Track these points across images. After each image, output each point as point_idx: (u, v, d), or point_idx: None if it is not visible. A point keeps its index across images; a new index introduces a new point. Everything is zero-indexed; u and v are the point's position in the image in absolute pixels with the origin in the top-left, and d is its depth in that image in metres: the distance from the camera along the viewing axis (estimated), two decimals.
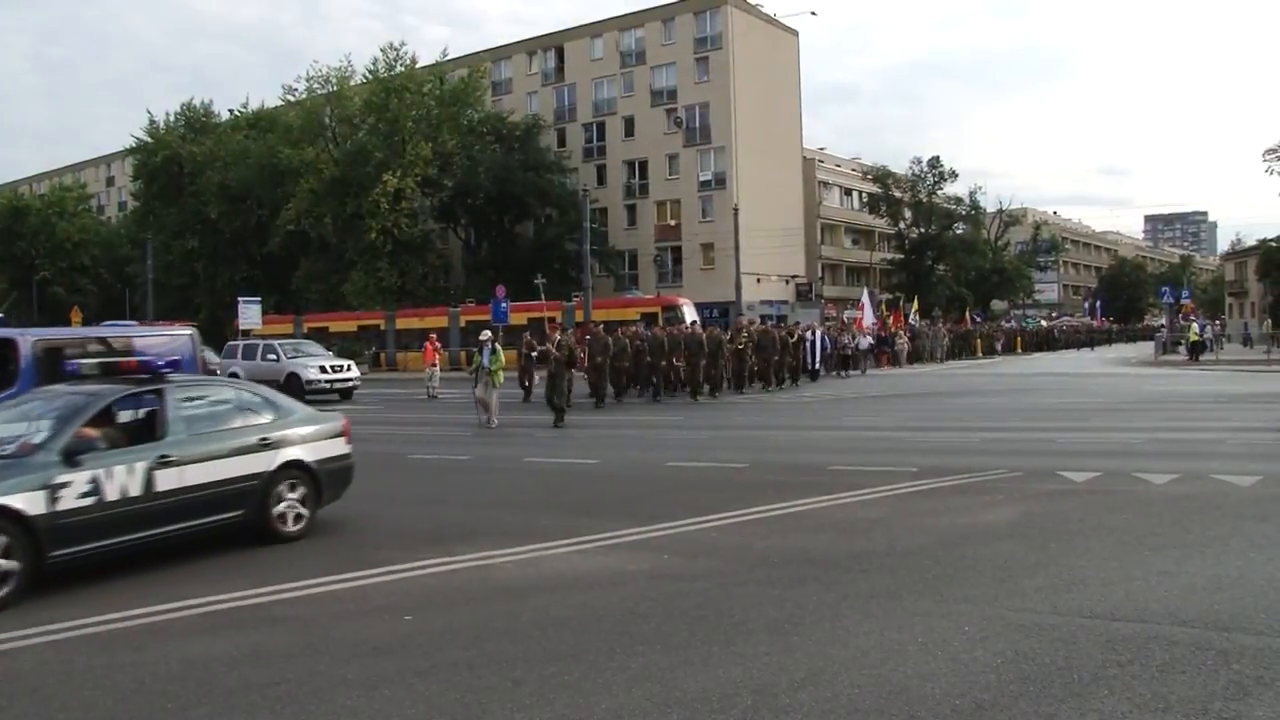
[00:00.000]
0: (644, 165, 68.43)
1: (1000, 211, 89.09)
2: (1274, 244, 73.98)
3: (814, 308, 63.71)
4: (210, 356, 37.21)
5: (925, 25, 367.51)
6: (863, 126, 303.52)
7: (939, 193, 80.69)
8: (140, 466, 8.16)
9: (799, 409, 23.84)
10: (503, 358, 20.94)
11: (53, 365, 12.30)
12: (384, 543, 9.08)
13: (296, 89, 64.06)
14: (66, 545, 7.58)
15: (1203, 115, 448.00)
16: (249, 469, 8.99)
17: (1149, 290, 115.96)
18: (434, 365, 31.88)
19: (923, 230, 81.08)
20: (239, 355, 33.62)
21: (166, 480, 8.29)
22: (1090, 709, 4.63)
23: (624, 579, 7.42)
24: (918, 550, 7.96)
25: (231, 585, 7.51)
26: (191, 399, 9.16)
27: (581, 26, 71.68)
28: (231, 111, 73.37)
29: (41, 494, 7.43)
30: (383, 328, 54.02)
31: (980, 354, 55.00)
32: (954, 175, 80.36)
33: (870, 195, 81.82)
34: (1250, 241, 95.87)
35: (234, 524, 8.94)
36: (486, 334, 21.25)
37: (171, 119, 72.23)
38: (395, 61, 61.29)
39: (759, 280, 60.84)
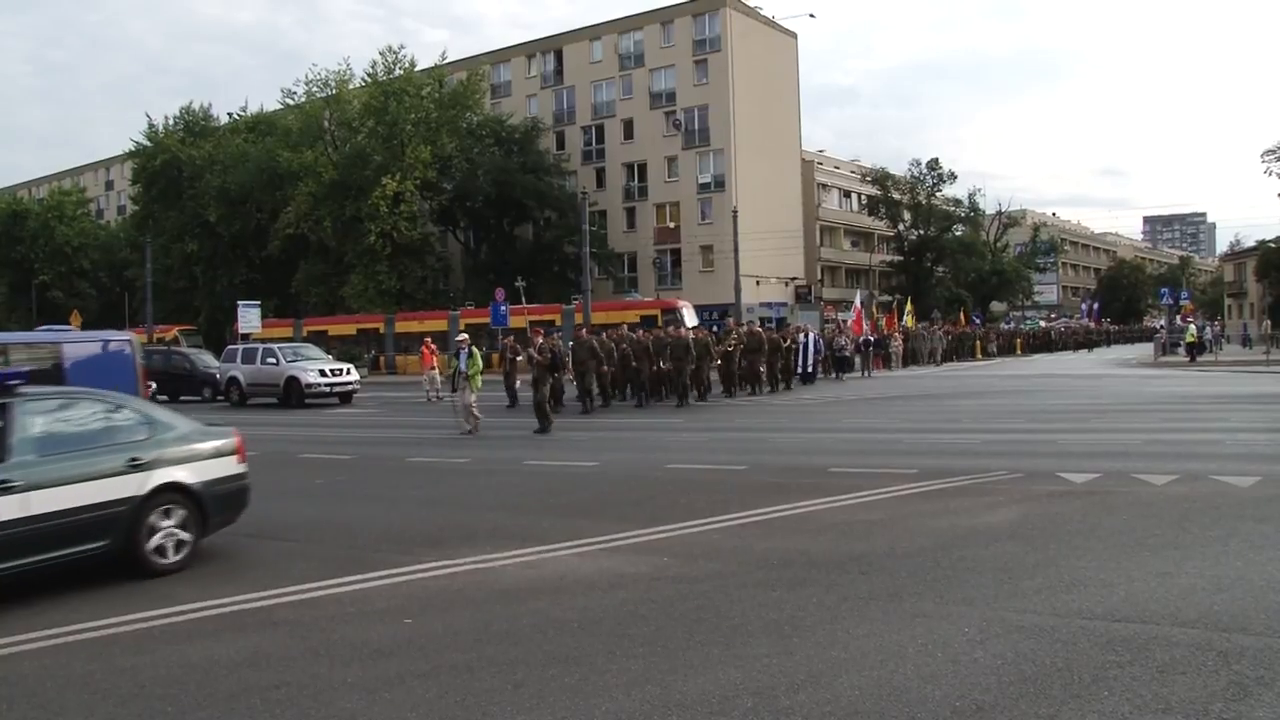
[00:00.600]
0: (643, 168, 68.49)
1: (999, 213, 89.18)
2: (1273, 245, 74.05)
3: (813, 310, 63.76)
4: (209, 360, 37.41)
5: (924, 27, 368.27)
6: (862, 128, 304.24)
7: (938, 194, 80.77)
8: None
9: (798, 411, 23.84)
10: (480, 362, 20.48)
11: None
12: (384, 545, 9.08)
13: (295, 92, 64.31)
14: None
15: (1201, 117, 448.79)
16: (114, 494, 7.97)
17: (1148, 291, 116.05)
18: (433, 369, 31.89)
19: (922, 232, 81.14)
20: (238, 359, 33.63)
21: (6, 509, 7.30)
22: (1090, 710, 4.63)
23: (624, 581, 7.42)
24: (918, 552, 7.96)
25: (231, 588, 7.51)
26: (48, 416, 8.11)
27: (580, 29, 71.76)
28: (230, 115, 73.54)
29: None
30: (382, 331, 54.06)
31: (979, 356, 55.00)
32: (953, 177, 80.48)
33: (869, 197, 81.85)
34: (1249, 242, 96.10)
35: (96, 557, 7.95)
36: (463, 338, 20.87)
37: (170, 122, 72.29)
38: (394, 64, 61.38)
39: (758, 283, 60.88)
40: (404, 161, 57.81)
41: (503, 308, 36.83)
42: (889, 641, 5.75)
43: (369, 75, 61.86)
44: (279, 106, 67.96)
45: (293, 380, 31.14)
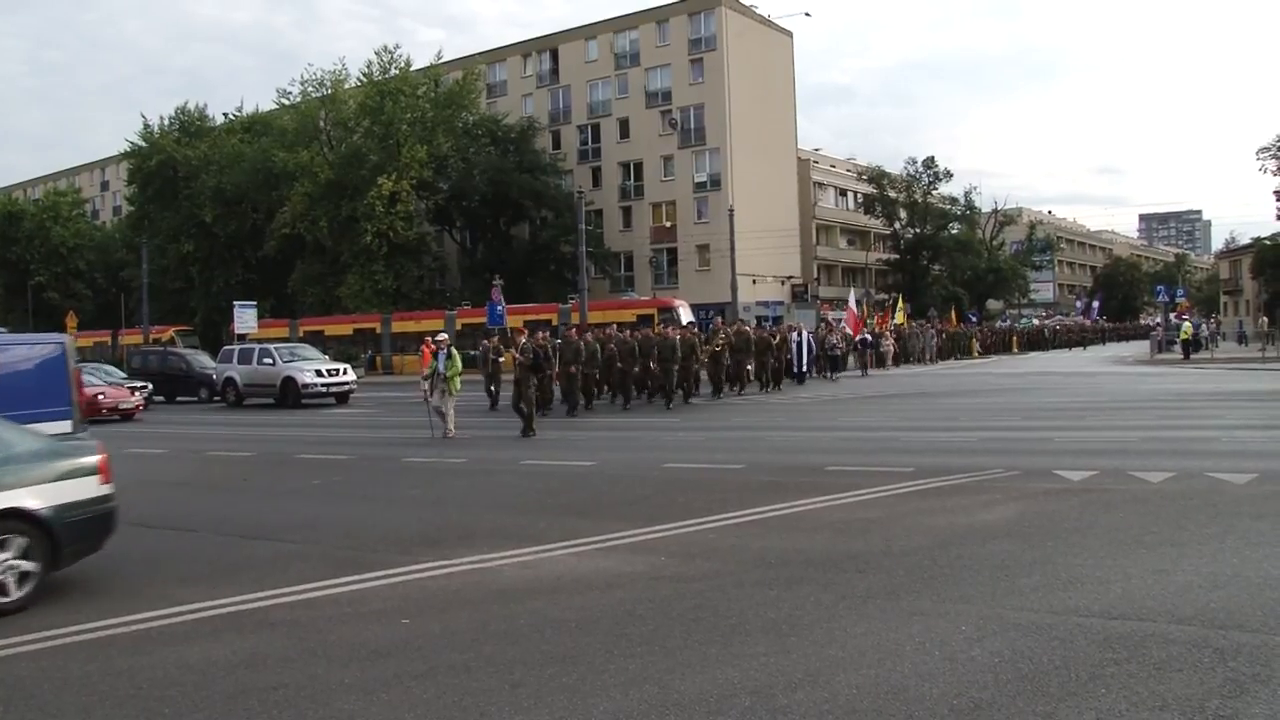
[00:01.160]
0: (639, 167, 68.47)
1: (995, 211, 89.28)
2: (1268, 242, 74.22)
3: (809, 308, 63.78)
4: (205, 360, 37.39)
5: (920, 26, 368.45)
6: (858, 127, 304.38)
7: (934, 193, 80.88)
8: None
9: (795, 410, 23.85)
10: (459, 363, 19.78)
11: None
12: (381, 546, 9.07)
13: (291, 92, 64.08)
14: None
15: (1197, 115, 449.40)
16: None
17: (1144, 289, 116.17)
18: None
19: (918, 230, 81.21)
20: (235, 359, 33.63)
21: None
22: (1088, 707, 4.63)
23: (621, 581, 7.42)
24: (915, 550, 7.97)
25: (228, 589, 7.50)
26: None
27: (576, 28, 71.75)
28: (226, 115, 73.33)
29: None
30: (379, 331, 54.01)
31: (976, 354, 54.97)
32: (949, 175, 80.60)
33: (865, 196, 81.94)
34: (1244, 240, 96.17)
35: None
36: (442, 338, 20.16)
37: (166, 123, 72.12)
38: (390, 64, 61.27)
39: (754, 281, 60.89)
40: (400, 161, 57.73)
41: (499, 307, 36.81)
42: (886, 640, 5.76)
43: (364, 75, 61.78)
44: (274, 106, 67.84)
45: (289, 380, 31.13)
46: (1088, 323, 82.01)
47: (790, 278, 69.81)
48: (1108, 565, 7.26)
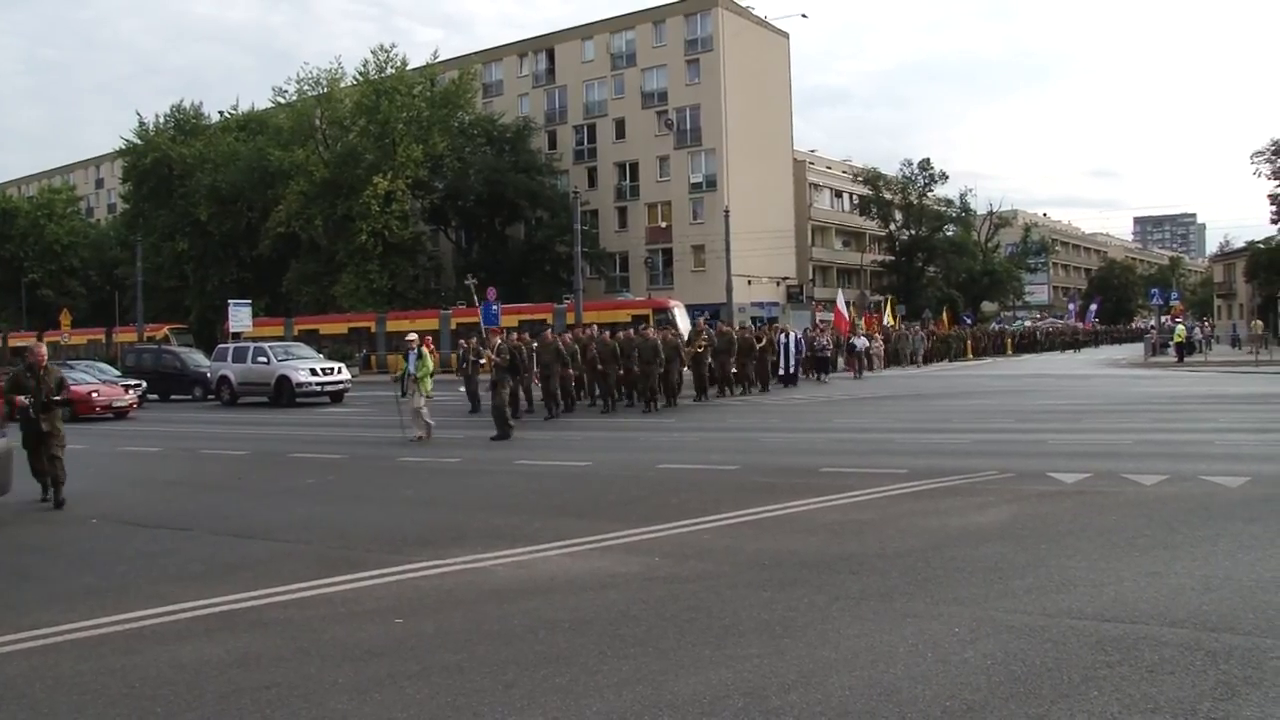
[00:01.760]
0: (635, 167, 68.53)
1: (990, 214, 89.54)
2: (1262, 246, 74.35)
3: (805, 309, 63.87)
4: (200, 359, 37.33)
5: (915, 28, 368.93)
6: (853, 129, 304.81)
7: (929, 195, 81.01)
8: None
9: (789, 411, 23.86)
10: (430, 363, 19.31)
11: None
12: (374, 545, 9.06)
13: (287, 91, 64.05)
14: None
15: (1191, 118, 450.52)
16: None
17: (1138, 292, 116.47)
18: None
19: (913, 232, 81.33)
20: (229, 358, 33.56)
21: None
22: (1080, 709, 4.64)
23: (615, 581, 7.42)
24: (908, 552, 7.97)
25: (221, 588, 7.48)
26: None
27: (572, 29, 71.83)
28: (221, 113, 73.26)
29: None
30: (373, 330, 53.98)
31: (971, 356, 54.93)
32: (944, 177, 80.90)
33: (861, 197, 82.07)
34: (1239, 243, 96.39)
35: None
36: (413, 337, 19.63)
37: (161, 121, 72.02)
38: (386, 63, 61.29)
39: (750, 282, 60.96)
40: (395, 160, 57.72)
41: (494, 306, 36.76)
42: (880, 641, 5.76)
43: (360, 74, 61.79)
44: (270, 105, 67.81)
45: (284, 379, 31.12)
46: (1080, 325, 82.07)
47: (785, 279, 69.91)
48: (1101, 568, 7.27)
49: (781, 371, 31.58)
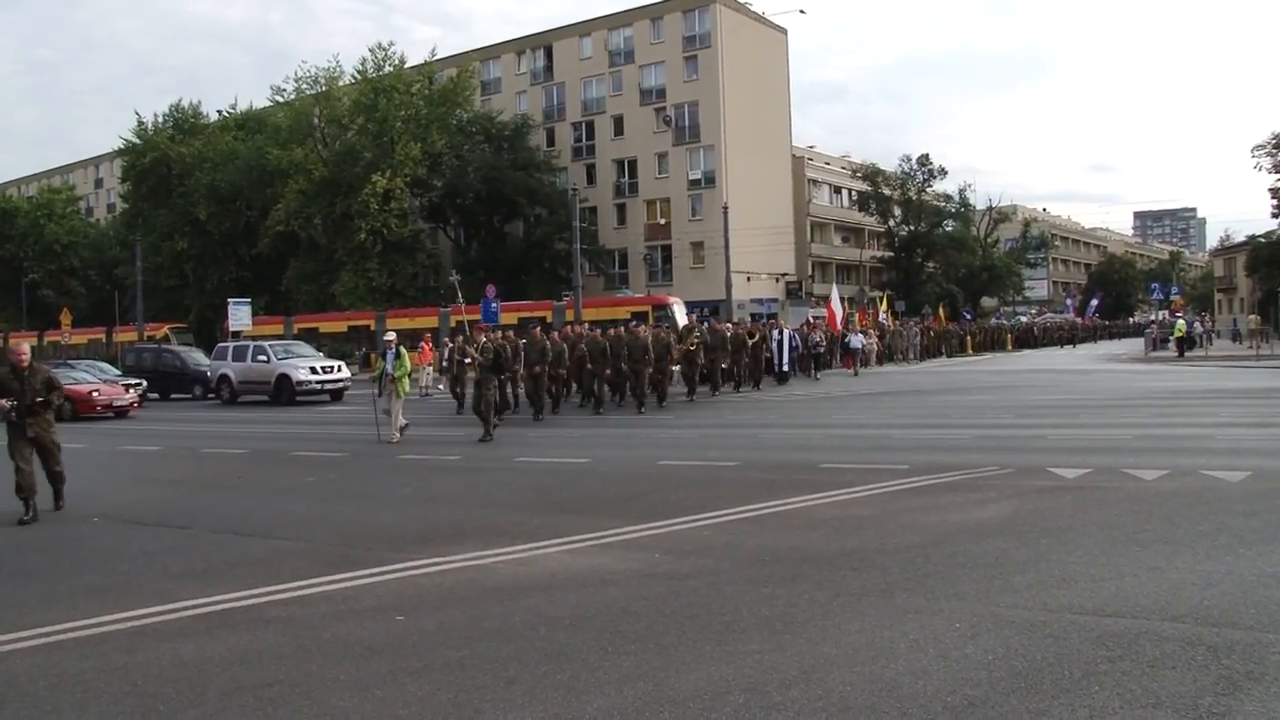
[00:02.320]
0: (633, 164, 68.48)
1: (990, 209, 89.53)
2: (1262, 240, 74.33)
3: (804, 305, 63.82)
4: (200, 357, 37.34)
5: (913, 23, 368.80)
6: (852, 125, 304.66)
7: (928, 190, 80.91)
8: None
9: (789, 408, 23.86)
10: (408, 363, 18.99)
11: None
12: (375, 543, 9.06)
13: (285, 90, 63.92)
14: None
15: (1191, 112, 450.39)
16: None
17: (1138, 287, 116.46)
18: (429, 365, 31.88)
19: (912, 228, 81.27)
20: (229, 357, 33.57)
21: None
22: (1081, 705, 4.64)
23: (616, 578, 7.42)
24: (909, 548, 7.98)
25: (222, 586, 7.49)
26: None
27: (570, 26, 71.72)
28: (220, 112, 73.14)
29: None
30: (373, 328, 53.93)
31: (971, 351, 54.83)
32: (943, 173, 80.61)
33: (860, 193, 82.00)
34: (1239, 237, 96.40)
35: None
36: (390, 336, 19.28)
37: (160, 120, 71.93)
38: (384, 62, 61.17)
39: (749, 279, 60.92)
40: (394, 159, 57.63)
41: (494, 304, 36.80)
42: (880, 637, 5.76)
43: (359, 72, 61.68)
44: (269, 104, 67.70)
45: (284, 378, 31.14)
46: (1079, 320, 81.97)
47: (785, 275, 69.86)
48: (1101, 563, 7.27)
49: (775, 368, 31.09)
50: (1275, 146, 63.52)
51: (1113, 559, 7.37)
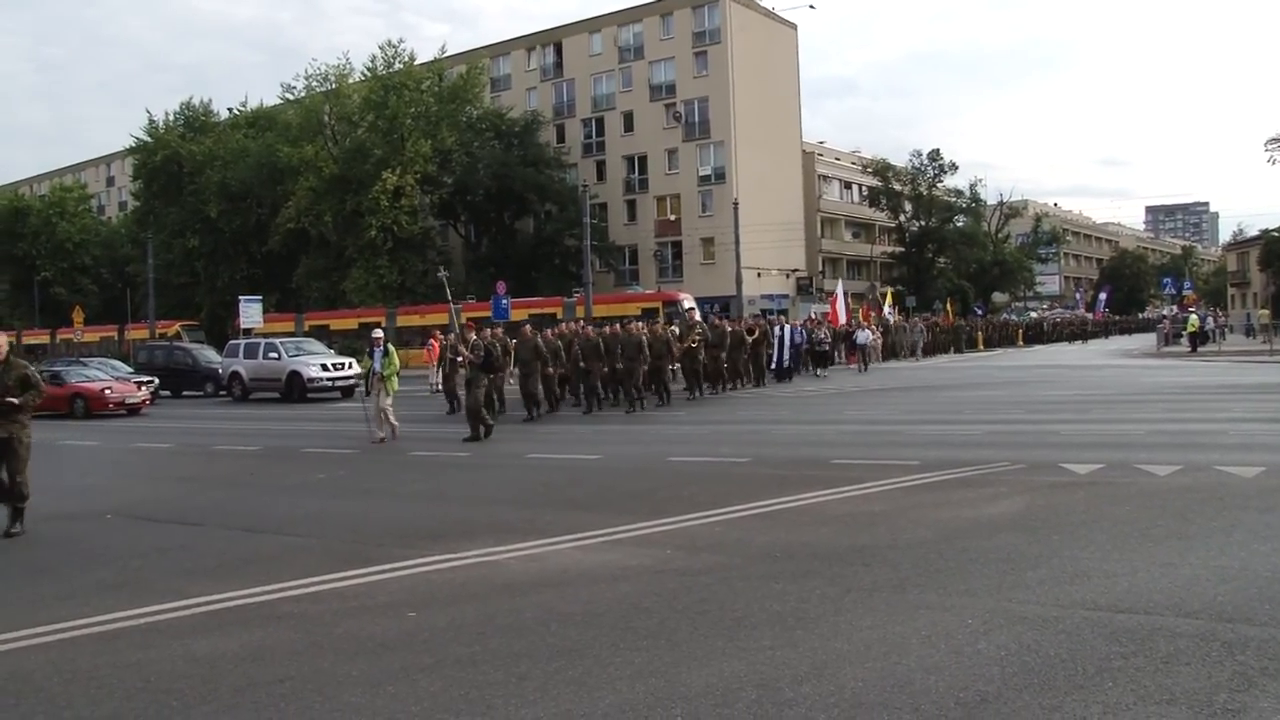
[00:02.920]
0: (643, 160, 68.46)
1: (1001, 204, 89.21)
2: (1276, 234, 73.98)
3: (814, 301, 63.74)
4: (211, 355, 37.46)
5: (923, 18, 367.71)
6: (862, 120, 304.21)
7: (939, 185, 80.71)
8: None
9: (800, 403, 23.83)
10: (397, 361, 18.44)
11: None
12: (386, 539, 9.08)
13: (295, 87, 64.05)
14: None
15: (1203, 105, 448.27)
16: None
17: (1150, 282, 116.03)
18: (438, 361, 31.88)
19: (923, 223, 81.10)
20: (240, 354, 33.68)
21: None
22: (1094, 701, 4.62)
23: (627, 574, 7.42)
24: (920, 543, 7.96)
25: (235, 583, 7.51)
26: None
27: (580, 22, 71.71)
28: (230, 110, 73.41)
29: None
30: (383, 325, 53.95)
31: (982, 347, 54.57)
32: (954, 168, 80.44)
33: (870, 188, 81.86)
34: (1252, 232, 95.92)
35: None
36: (378, 333, 18.79)
37: (171, 118, 72.19)
38: (394, 59, 61.25)
39: (759, 274, 60.86)
40: (404, 155, 57.70)
41: (504, 301, 36.82)
42: (892, 633, 5.75)
43: (368, 69, 61.78)
44: (279, 102, 67.85)
45: (295, 374, 31.22)
46: (1090, 315, 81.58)
47: (795, 271, 69.81)
48: (1114, 559, 7.24)
49: (775, 365, 30.31)
50: None
51: (1126, 555, 7.34)
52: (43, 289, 77.01)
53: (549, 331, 23.39)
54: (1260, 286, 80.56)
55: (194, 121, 71.84)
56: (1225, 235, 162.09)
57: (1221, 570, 6.81)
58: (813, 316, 43.13)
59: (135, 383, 29.85)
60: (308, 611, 6.78)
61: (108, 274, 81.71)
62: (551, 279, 61.02)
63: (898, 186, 79.18)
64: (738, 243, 48.97)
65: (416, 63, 62.20)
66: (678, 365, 24.96)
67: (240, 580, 7.61)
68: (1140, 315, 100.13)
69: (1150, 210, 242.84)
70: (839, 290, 44.30)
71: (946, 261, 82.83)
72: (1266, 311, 60.69)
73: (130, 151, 74.74)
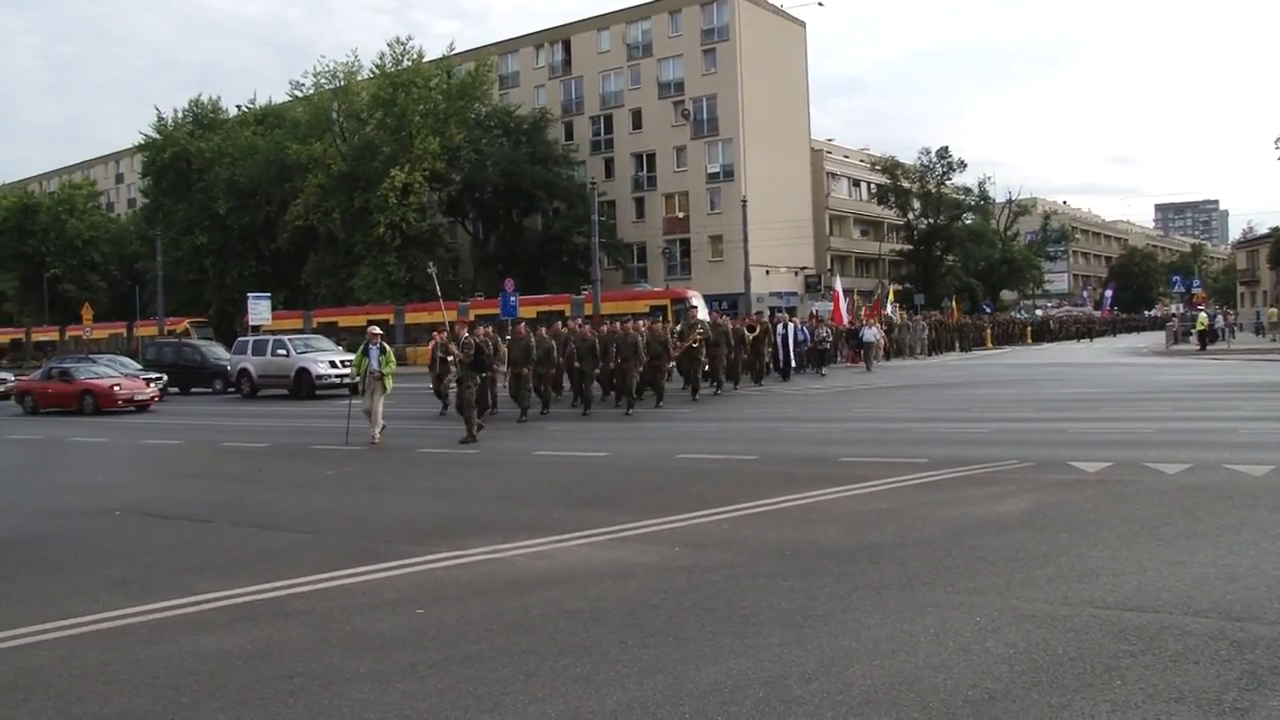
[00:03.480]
0: (651, 158, 68.41)
1: (1009, 201, 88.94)
2: None
3: (823, 299, 63.62)
4: (220, 351, 37.54)
5: (932, 15, 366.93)
6: (870, 117, 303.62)
7: (948, 183, 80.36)
8: None
9: (807, 401, 23.80)
10: (394, 361, 17.99)
11: None
12: (394, 536, 9.09)
13: (304, 84, 64.16)
14: None
15: (1213, 103, 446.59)
16: None
17: (1159, 280, 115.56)
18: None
19: (932, 221, 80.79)
20: (249, 351, 33.75)
21: None
22: (1103, 699, 4.62)
23: (635, 571, 7.42)
24: (929, 541, 7.95)
25: (243, 579, 7.53)
26: None
27: (588, 19, 71.66)
28: (239, 107, 73.51)
29: None
30: (392, 322, 54.10)
31: (991, 345, 54.36)
32: (963, 165, 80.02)
33: (879, 186, 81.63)
34: (1262, 230, 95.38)
35: None
36: (375, 330, 18.26)
37: (179, 115, 72.35)
38: (402, 56, 61.36)
39: (768, 272, 60.81)
40: (412, 153, 57.75)
41: (513, 298, 36.84)
42: (901, 631, 5.74)
43: (377, 67, 61.82)
44: (287, 99, 67.97)
45: (303, 371, 31.27)
46: (1098, 313, 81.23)
47: (803, 268, 69.71)
48: (1123, 557, 7.23)
49: (780, 363, 29.85)
50: None
51: (1134, 553, 7.33)
52: (52, 286, 77.23)
53: (541, 330, 22.76)
54: (1270, 285, 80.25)
55: (203, 118, 71.96)
56: (1235, 233, 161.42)
57: (1230, 569, 6.79)
58: (814, 314, 42.55)
59: (144, 379, 29.95)
60: (316, 608, 6.80)
61: (117, 271, 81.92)
62: (560, 276, 61.03)
63: (906, 184, 78.90)
64: (746, 240, 48.92)
65: (425, 60, 62.28)
66: (673, 365, 24.14)
67: (249, 577, 7.63)
68: (1146, 314, 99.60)
69: (1159, 208, 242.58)
70: (838, 288, 43.80)
71: (955, 259, 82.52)
72: (1276, 310, 60.46)
73: (139, 149, 74.95)
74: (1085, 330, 70.28)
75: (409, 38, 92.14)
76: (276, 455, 16.86)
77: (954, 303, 64.73)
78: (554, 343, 21.75)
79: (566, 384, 23.29)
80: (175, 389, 34.34)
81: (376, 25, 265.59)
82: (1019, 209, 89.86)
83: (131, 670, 5.62)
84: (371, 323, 23.37)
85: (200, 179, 67.80)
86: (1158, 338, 57.97)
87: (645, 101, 68.12)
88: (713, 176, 65.90)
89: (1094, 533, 8.04)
